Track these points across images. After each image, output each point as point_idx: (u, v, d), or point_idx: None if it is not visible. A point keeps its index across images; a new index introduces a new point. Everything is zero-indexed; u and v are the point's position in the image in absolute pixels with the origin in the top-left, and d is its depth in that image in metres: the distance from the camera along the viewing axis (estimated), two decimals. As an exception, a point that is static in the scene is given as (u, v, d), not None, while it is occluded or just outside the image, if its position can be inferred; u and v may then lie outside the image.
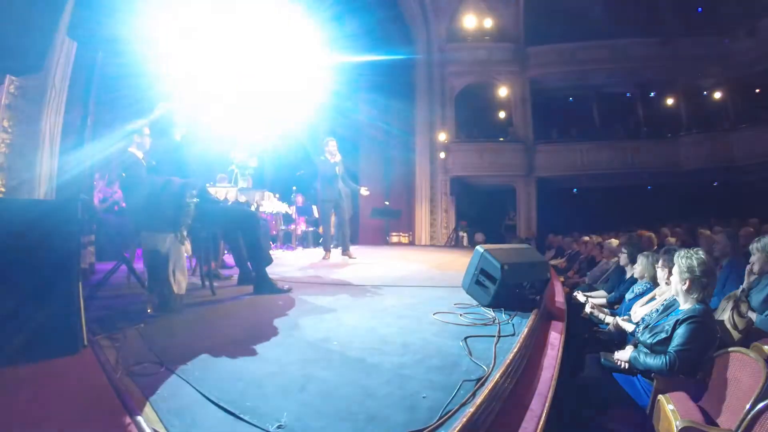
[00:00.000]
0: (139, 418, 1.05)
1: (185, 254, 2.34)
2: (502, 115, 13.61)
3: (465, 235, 11.91)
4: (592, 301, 3.62)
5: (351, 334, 1.90)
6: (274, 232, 8.45)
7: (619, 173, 12.38)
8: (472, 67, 12.75)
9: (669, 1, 12.28)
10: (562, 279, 5.32)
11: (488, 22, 12.57)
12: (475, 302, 2.53)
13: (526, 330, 1.96)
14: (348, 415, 1.14)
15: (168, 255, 2.17)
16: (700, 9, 12.23)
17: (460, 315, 2.25)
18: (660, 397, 1.84)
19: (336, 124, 12.00)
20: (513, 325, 2.04)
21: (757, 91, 11.96)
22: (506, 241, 11.83)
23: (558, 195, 13.50)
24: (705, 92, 12.51)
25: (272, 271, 3.36)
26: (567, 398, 1.87)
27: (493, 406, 1.29)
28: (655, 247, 4.46)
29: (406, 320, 2.16)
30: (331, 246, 5.65)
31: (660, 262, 2.86)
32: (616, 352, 2.28)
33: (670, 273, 2.37)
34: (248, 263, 3.18)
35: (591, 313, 3.41)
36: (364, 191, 6.01)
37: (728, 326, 2.36)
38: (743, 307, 2.41)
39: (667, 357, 1.99)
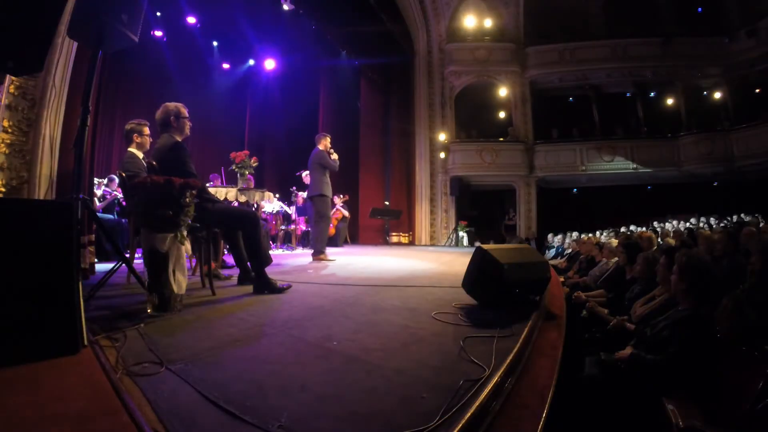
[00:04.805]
0: (139, 418, 1.05)
1: (185, 254, 2.34)
2: (502, 115, 13.61)
3: (465, 235, 11.91)
4: (592, 301, 3.62)
5: (351, 333, 1.90)
6: (274, 232, 8.47)
7: (619, 173, 12.39)
8: (472, 67, 12.76)
9: (669, 1, 12.28)
10: (562, 279, 5.32)
11: (488, 22, 12.58)
12: (475, 302, 2.53)
13: (526, 330, 1.96)
14: (348, 415, 1.14)
15: (168, 255, 2.17)
16: (700, 9, 12.24)
17: (460, 315, 2.25)
18: (660, 397, 1.85)
19: (336, 123, 12.03)
20: (513, 325, 2.04)
21: (757, 91, 11.97)
22: (506, 241, 11.84)
23: (558, 195, 13.50)
24: (705, 92, 12.53)
25: (272, 271, 3.37)
26: (567, 398, 1.87)
27: (493, 406, 1.29)
28: (655, 248, 4.46)
29: (406, 320, 2.16)
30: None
31: (660, 261, 2.87)
32: (615, 352, 2.28)
33: (669, 273, 2.37)
34: (248, 263, 3.19)
35: (591, 313, 3.41)
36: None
37: (728, 326, 2.36)
38: (744, 307, 2.40)
39: (667, 357, 1.99)
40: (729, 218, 10.11)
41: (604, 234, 9.56)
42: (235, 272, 3.44)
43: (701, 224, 9.95)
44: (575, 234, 9.62)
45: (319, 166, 5.41)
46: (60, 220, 1.56)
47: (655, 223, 10.83)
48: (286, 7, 9.18)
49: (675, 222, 10.60)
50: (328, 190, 5.46)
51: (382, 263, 5.18)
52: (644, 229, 9.82)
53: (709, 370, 1.92)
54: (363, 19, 10.56)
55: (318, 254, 5.30)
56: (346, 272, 4.20)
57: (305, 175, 8.01)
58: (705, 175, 11.98)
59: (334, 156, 5.51)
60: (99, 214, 4.63)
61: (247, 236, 3.03)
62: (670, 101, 12.73)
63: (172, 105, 2.99)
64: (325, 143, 5.55)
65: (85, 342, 1.55)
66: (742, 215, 9.93)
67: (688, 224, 10.21)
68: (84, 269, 3.30)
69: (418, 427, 1.06)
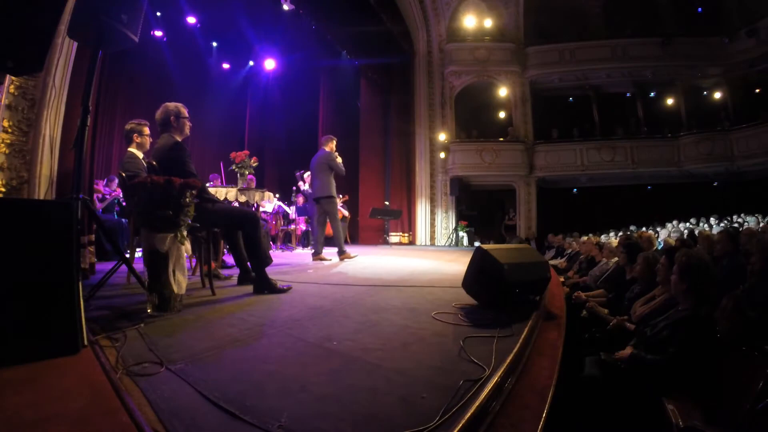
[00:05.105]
0: (139, 418, 1.05)
1: (185, 254, 2.34)
2: (502, 115, 13.61)
3: (465, 235, 11.91)
4: (592, 301, 3.62)
5: (351, 333, 1.90)
6: (274, 232, 8.47)
7: (619, 173, 12.39)
8: (472, 67, 12.75)
9: (669, 1, 12.28)
10: (562, 279, 5.32)
11: (488, 22, 12.58)
12: (475, 302, 2.53)
13: (526, 330, 1.96)
14: (348, 415, 1.14)
15: (168, 255, 2.17)
16: (700, 9, 12.23)
17: (460, 315, 2.25)
18: (660, 397, 1.85)
19: (336, 123, 12.03)
20: (513, 325, 2.04)
21: (757, 91, 11.97)
22: (506, 241, 11.84)
23: (558, 195, 13.50)
24: (705, 92, 12.53)
25: (272, 270, 3.37)
26: (567, 398, 1.87)
27: (493, 406, 1.29)
28: (655, 247, 4.46)
29: (406, 320, 2.16)
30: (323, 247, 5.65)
31: (660, 261, 2.87)
32: (615, 352, 2.28)
33: (670, 273, 2.37)
34: (248, 263, 3.18)
35: (591, 313, 3.42)
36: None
37: (728, 326, 2.36)
38: (744, 307, 2.40)
39: (667, 357, 1.99)
40: (729, 218, 10.12)
41: (603, 236, 9.56)
42: (235, 272, 3.44)
43: (701, 225, 9.96)
44: (575, 234, 9.63)
45: (327, 168, 5.45)
46: (60, 220, 1.56)
47: (657, 226, 10.83)
48: (286, 7, 9.18)
49: (675, 222, 10.59)
50: (335, 192, 5.55)
51: (382, 263, 5.18)
52: (644, 229, 9.82)
53: (709, 370, 1.92)
54: (363, 19, 10.55)
55: (341, 254, 5.42)
56: (346, 272, 4.20)
57: (307, 176, 8.04)
58: (705, 175, 11.98)
59: (339, 159, 5.55)
60: (99, 214, 4.63)
61: (247, 236, 3.03)
62: (670, 101, 12.72)
63: (171, 105, 2.99)
64: (331, 146, 5.59)
65: (85, 342, 1.55)
66: (743, 215, 9.93)
67: (687, 224, 10.21)
68: (84, 269, 3.30)
69: (418, 427, 1.06)
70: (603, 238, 8.58)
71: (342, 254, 5.40)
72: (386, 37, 11.57)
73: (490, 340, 1.78)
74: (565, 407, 1.76)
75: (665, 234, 8.10)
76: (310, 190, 7.60)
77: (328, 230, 5.82)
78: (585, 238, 7.60)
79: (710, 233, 4.64)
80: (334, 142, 5.66)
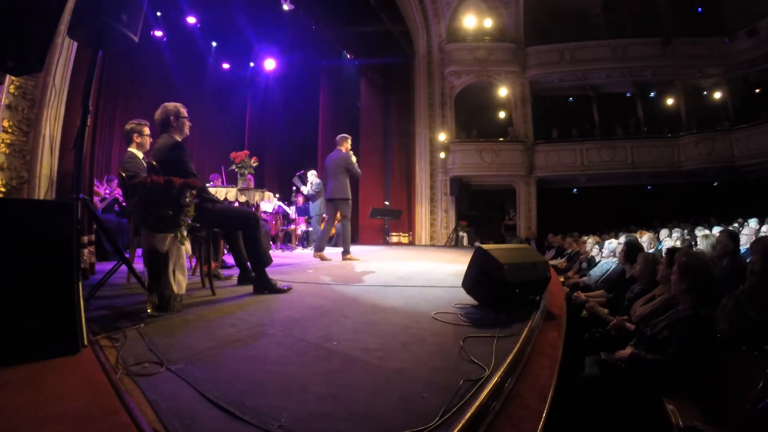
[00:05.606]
0: (139, 418, 1.05)
1: (185, 254, 2.34)
2: (502, 115, 13.60)
3: (465, 235, 11.91)
4: (592, 300, 3.62)
5: (351, 333, 1.90)
6: (274, 232, 8.47)
7: (619, 173, 12.38)
8: (472, 67, 12.74)
9: (669, 1, 12.27)
10: (562, 279, 5.32)
11: (488, 22, 12.57)
12: (475, 302, 2.53)
13: (526, 330, 1.96)
14: (348, 415, 1.14)
15: (168, 255, 2.17)
16: (700, 9, 12.22)
17: (460, 315, 2.25)
18: (660, 397, 1.85)
19: (336, 123, 12.03)
20: (513, 325, 2.04)
21: (757, 91, 11.96)
22: (506, 241, 11.83)
23: (558, 195, 13.50)
24: (705, 92, 12.51)
25: (272, 270, 3.37)
26: (567, 398, 1.87)
27: (493, 406, 1.29)
28: (655, 247, 4.46)
29: (406, 320, 2.16)
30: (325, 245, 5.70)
31: (660, 261, 2.87)
32: (615, 352, 2.28)
33: (670, 272, 2.37)
34: (248, 263, 3.19)
35: (591, 313, 3.42)
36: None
37: (728, 326, 2.36)
38: (744, 307, 2.40)
39: (667, 357, 1.99)
40: (728, 220, 10.09)
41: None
42: (235, 272, 3.44)
43: (702, 229, 9.94)
44: (575, 234, 9.62)
45: (344, 169, 5.44)
46: (60, 220, 1.56)
47: (660, 229, 10.80)
48: (286, 7, 9.18)
49: (675, 222, 10.57)
50: (350, 194, 5.55)
51: (382, 263, 5.18)
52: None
53: (709, 370, 1.92)
54: (363, 19, 10.55)
55: (346, 254, 5.41)
56: (346, 272, 4.20)
57: (310, 174, 8.04)
58: (705, 175, 11.97)
59: (353, 159, 5.54)
60: (99, 214, 4.63)
61: (248, 236, 3.03)
62: (670, 101, 12.71)
63: (171, 105, 2.99)
64: (346, 146, 5.55)
65: (85, 342, 1.55)
66: (743, 218, 9.90)
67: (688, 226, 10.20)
68: (84, 269, 3.30)
69: (418, 427, 1.06)
70: (607, 243, 8.55)
71: (346, 254, 5.40)
72: (386, 37, 11.56)
73: (490, 340, 1.78)
74: (565, 407, 1.76)
75: (665, 234, 8.08)
76: (314, 190, 7.61)
77: (332, 231, 5.84)
78: (585, 238, 7.59)
79: (710, 233, 4.64)
80: (349, 142, 5.59)
